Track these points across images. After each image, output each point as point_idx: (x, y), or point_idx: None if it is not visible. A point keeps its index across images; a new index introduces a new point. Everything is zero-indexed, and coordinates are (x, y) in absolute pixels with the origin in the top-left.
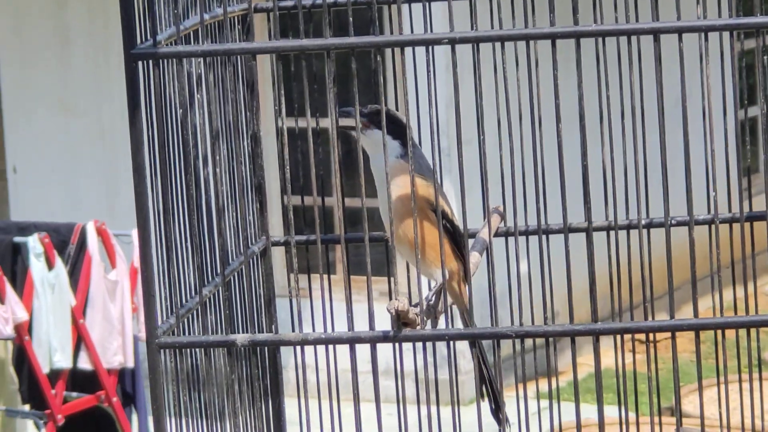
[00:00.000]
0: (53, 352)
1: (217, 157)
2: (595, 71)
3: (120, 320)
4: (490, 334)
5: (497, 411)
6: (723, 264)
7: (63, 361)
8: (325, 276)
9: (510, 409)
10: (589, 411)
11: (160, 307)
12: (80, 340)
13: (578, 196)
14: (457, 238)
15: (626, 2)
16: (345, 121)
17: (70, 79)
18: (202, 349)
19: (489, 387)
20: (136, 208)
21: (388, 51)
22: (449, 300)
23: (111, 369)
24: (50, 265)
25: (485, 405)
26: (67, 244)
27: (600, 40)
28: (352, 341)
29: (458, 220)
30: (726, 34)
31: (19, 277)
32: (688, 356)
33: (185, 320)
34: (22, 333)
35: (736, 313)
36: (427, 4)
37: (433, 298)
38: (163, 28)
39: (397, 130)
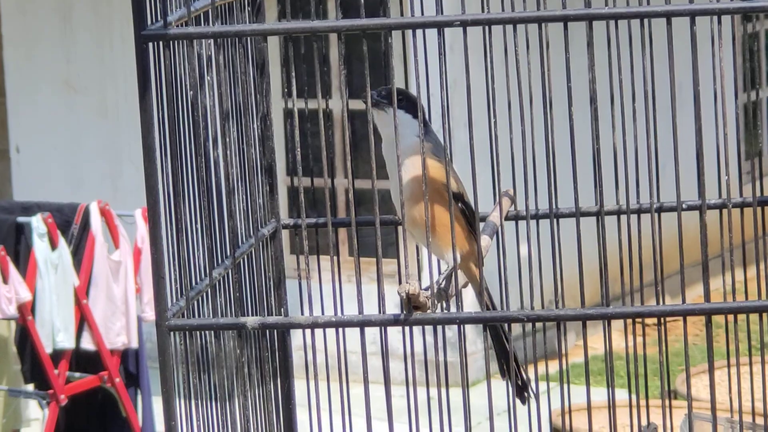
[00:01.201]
0: (56, 332)
1: (228, 139)
2: (607, 54)
3: (123, 300)
4: (501, 317)
5: (522, 388)
6: (734, 247)
7: (66, 341)
8: (335, 259)
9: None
10: (595, 393)
11: (170, 289)
12: (83, 320)
13: (589, 180)
14: (470, 220)
15: None
16: (361, 103)
17: (74, 59)
18: (212, 332)
19: (509, 365)
20: (146, 190)
21: (395, 32)
22: (461, 282)
23: (114, 349)
24: (53, 245)
25: (495, 385)
26: (70, 224)
27: (612, 22)
28: (363, 324)
29: (471, 201)
30: (728, 17)
31: (22, 257)
32: (692, 339)
33: (195, 302)
34: (26, 313)
35: (747, 297)
36: None
37: (444, 282)
38: (173, 9)
39: (413, 109)
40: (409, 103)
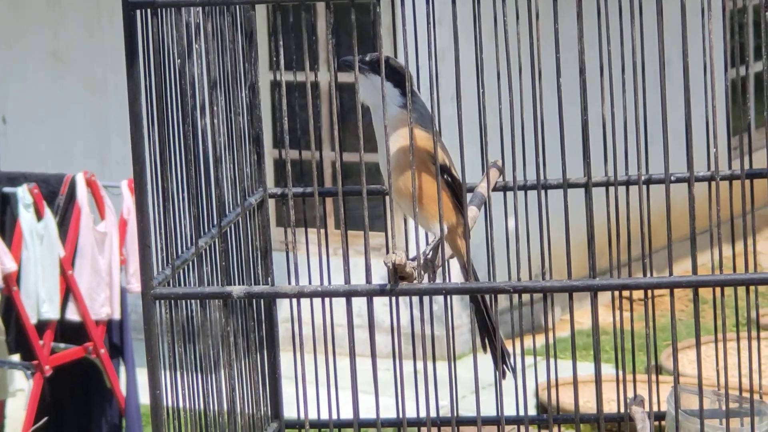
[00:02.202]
0: (41, 302)
1: (215, 108)
2: (596, 25)
3: (108, 272)
4: (487, 288)
5: (502, 361)
6: (722, 220)
7: (51, 311)
8: (322, 230)
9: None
10: (581, 368)
11: (156, 258)
12: (68, 291)
13: (577, 151)
14: (457, 192)
15: None
16: (348, 76)
17: (62, 31)
18: (198, 301)
19: (492, 338)
20: (132, 158)
21: (384, 3)
22: (447, 254)
23: (99, 320)
24: (39, 215)
25: (481, 358)
26: (56, 195)
27: None
28: (349, 294)
29: (458, 173)
30: None
31: (8, 227)
32: (678, 314)
33: (181, 271)
34: (11, 283)
35: (735, 270)
36: None
37: (431, 253)
38: None
39: (398, 78)
40: (393, 72)
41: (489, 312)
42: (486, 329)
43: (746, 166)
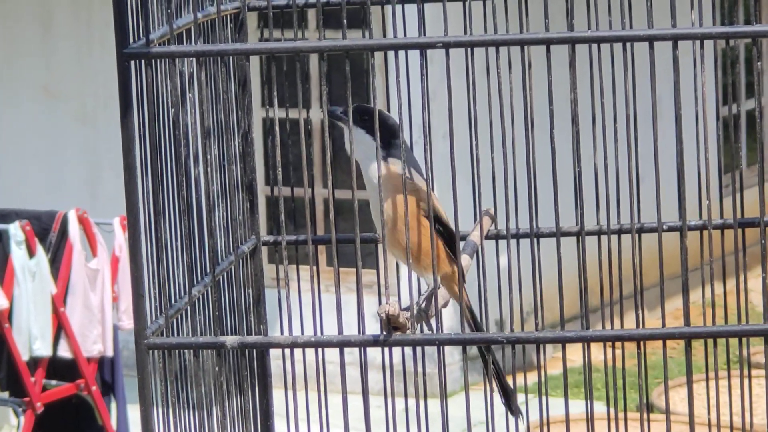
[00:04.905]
0: (33, 339)
1: (209, 157)
2: (589, 75)
3: (100, 309)
4: (480, 339)
5: (509, 401)
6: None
7: (43, 349)
8: (314, 270)
9: (495, 402)
10: (572, 406)
11: (150, 307)
12: (60, 328)
13: (570, 200)
14: (450, 242)
15: (621, 7)
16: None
17: (53, 65)
18: (191, 350)
19: (498, 379)
20: (126, 208)
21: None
22: (441, 303)
23: (91, 357)
24: (31, 252)
25: (473, 396)
26: (48, 232)
27: (595, 45)
28: (342, 345)
29: (450, 222)
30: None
31: None
32: (669, 352)
33: (174, 320)
34: (2, 320)
35: (726, 318)
36: (420, 6)
37: (424, 303)
38: (155, 27)
39: (387, 129)
40: (371, 121)
41: (486, 358)
42: (488, 373)
43: (738, 214)
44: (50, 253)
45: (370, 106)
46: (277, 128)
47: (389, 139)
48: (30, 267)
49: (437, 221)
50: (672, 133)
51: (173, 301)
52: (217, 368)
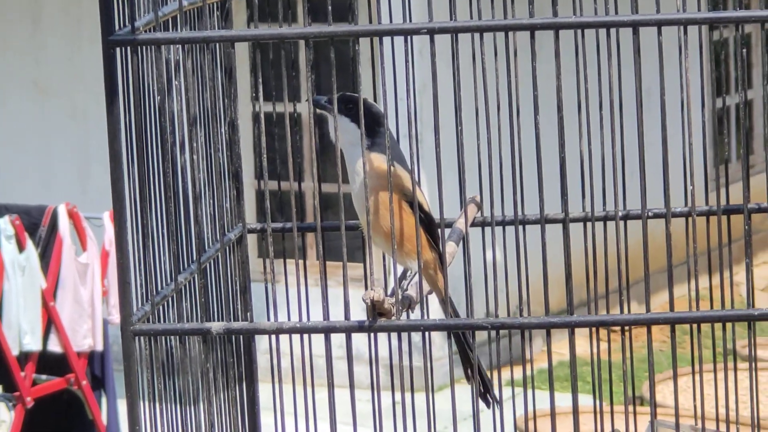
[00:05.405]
0: (23, 334)
1: (195, 144)
2: (574, 61)
3: (90, 303)
4: (465, 325)
5: (485, 392)
6: (700, 253)
7: (33, 343)
8: (301, 264)
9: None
10: (559, 399)
11: (136, 294)
12: (50, 322)
13: (555, 187)
14: (432, 229)
15: None
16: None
17: (43, 60)
18: (177, 337)
19: (474, 370)
20: (112, 196)
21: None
22: (425, 290)
23: (81, 352)
24: (21, 247)
25: (460, 389)
26: (38, 227)
27: (579, 31)
28: (327, 330)
29: (433, 210)
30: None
31: None
32: (658, 345)
33: (160, 307)
34: None
35: (712, 306)
36: None
37: (409, 288)
38: (141, 14)
39: (371, 118)
40: (356, 110)
41: (470, 345)
42: (468, 361)
43: (723, 202)
44: (40, 248)
45: (355, 95)
46: (262, 115)
47: (374, 127)
48: (20, 261)
49: (419, 209)
50: (658, 119)
51: (159, 288)
52: (203, 355)
